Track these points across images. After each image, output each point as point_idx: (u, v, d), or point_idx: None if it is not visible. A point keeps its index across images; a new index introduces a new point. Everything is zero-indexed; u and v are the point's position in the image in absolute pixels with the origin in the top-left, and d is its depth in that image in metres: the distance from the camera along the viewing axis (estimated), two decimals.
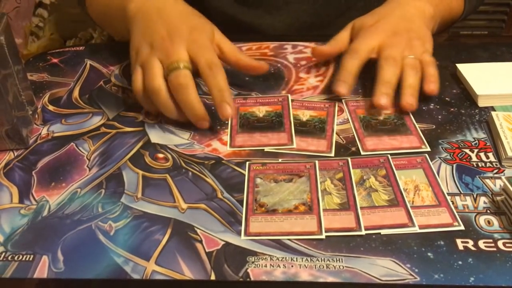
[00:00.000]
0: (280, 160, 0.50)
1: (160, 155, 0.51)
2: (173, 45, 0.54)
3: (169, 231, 0.43)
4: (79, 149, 0.52)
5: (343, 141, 0.52)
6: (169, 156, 0.51)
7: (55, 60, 0.68)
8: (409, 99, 0.55)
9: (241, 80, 0.63)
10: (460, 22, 0.77)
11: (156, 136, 0.54)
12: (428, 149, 0.50)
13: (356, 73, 0.57)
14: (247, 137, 0.53)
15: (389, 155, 0.49)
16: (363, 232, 0.42)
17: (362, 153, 0.50)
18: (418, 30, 0.61)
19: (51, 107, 0.59)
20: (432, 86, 0.56)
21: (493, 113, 0.53)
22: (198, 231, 0.43)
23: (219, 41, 0.58)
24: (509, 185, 0.42)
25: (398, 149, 0.50)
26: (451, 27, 0.78)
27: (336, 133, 0.53)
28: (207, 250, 0.41)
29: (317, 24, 0.77)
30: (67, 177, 0.49)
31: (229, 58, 0.58)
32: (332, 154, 0.50)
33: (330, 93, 0.60)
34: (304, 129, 0.54)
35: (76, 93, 0.61)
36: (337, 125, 0.55)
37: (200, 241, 0.42)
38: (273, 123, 0.55)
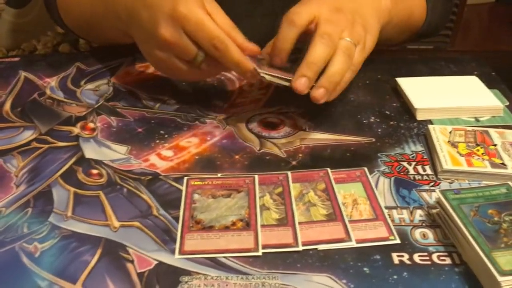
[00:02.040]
0: (219, 175, 0.49)
1: (94, 171, 0.49)
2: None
3: (99, 251, 0.41)
4: (6, 165, 0.49)
5: (284, 155, 0.52)
6: (104, 172, 0.49)
7: None
8: (319, 93, 0.48)
9: (182, 92, 0.61)
10: None
11: (91, 151, 0.52)
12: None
13: (293, 43, 0.51)
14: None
15: (328, 169, 0.49)
16: (300, 248, 0.41)
17: None
18: (365, 17, 0.54)
19: None
20: (320, 92, 0.49)
21: (430, 126, 0.54)
22: (130, 250, 0.41)
23: (211, 10, 0.52)
24: (443, 199, 0.43)
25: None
26: (407, 42, 0.73)
27: (277, 146, 0.53)
28: (138, 271, 0.39)
29: None
30: None
31: None
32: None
33: (274, 106, 0.59)
34: None
35: (7, 106, 0.58)
36: (279, 138, 0.54)
37: (132, 261, 0.40)
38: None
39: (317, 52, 0.49)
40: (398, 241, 0.42)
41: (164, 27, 0.51)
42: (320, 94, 0.49)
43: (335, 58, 0.49)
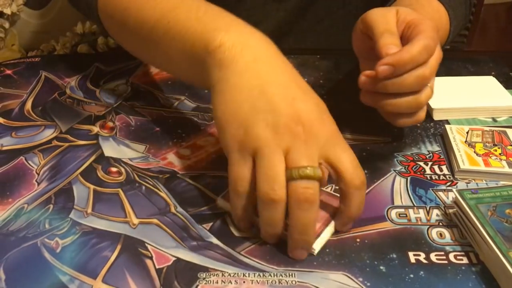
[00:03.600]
0: None
1: (113, 169, 0.50)
2: (308, 141, 0.40)
3: (118, 247, 0.41)
4: (28, 163, 0.50)
5: None
6: (123, 170, 0.50)
7: (8, 72, 0.66)
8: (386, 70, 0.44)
9: (199, 91, 0.62)
10: None
11: (110, 149, 0.53)
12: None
13: None
14: None
15: None
16: None
17: None
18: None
19: (1, 120, 0.57)
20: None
21: (447, 126, 0.54)
22: (149, 247, 0.42)
23: None
24: (460, 198, 0.43)
25: None
26: None
27: None
28: (157, 267, 0.40)
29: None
30: (14, 192, 0.47)
31: None
32: None
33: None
34: None
35: (28, 105, 0.60)
36: None
37: (151, 257, 0.41)
38: None
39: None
40: None
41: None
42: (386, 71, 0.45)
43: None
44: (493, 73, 0.66)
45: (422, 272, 0.39)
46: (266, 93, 0.41)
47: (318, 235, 0.41)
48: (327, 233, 0.42)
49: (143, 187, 0.48)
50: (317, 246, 0.41)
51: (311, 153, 0.40)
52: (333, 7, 0.74)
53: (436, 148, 0.53)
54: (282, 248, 0.41)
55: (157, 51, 0.51)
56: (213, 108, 0.43)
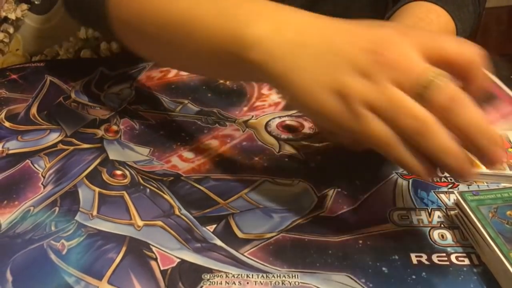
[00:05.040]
0: None
1: (118, 172, 0.51)
2: (402, 53, 0.35)
3: (123, 249, 0.42)
4: (34, 166, 0.51)
5: (303, 157, 0.53)
6: (127, 173, 0.50)
7: (14, 76, 0.67)
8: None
9: (203, 95, 0.63)
10: None
11: (114, 152, 0.53)
12: None
13: None
14: None
15: None
16: None
17: None
18: None
19: (7, 124, 0.58)
20: None
21: None
22: (154, 248, 0.42)
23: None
24: (461, 200, 0.43)
25: None
26: None
27: (296, 148, 0.54)
28: (162, 268, 0.40)
29: None
30: (20, 195, 0.48)
31: None
32: None
33: (293, 109, 0.60)
34: None
35: (34, 109, 0.60)
36: (297, 140, 0.55)
37: (155, 259, 0.41)
38: None
39: None
40: None
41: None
42: None
43: None
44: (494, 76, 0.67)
45: (424, 273, 0.40)
46: (329, 47, 0.37)
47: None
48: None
49: (148, 190, 0.48)
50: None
51: (414, 63, 0.35)
52: (336, 12, 0.74)
53: None
54: (285, 250, 0.42)
55: (182, 54, 0.47)
56: (291, 99, 0.39)
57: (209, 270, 0.40)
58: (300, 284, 0.39)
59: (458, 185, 0.49)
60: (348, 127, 0.36)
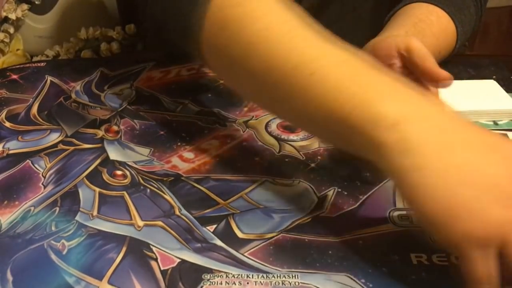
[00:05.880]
0: None
1: (118, 172, 0.51)
2: None
3: (124, 249, 0.42)
4: (34, 166, 0.51)
5: (303, 157, 0.53)
6: (128, 173, 0.51)
7: (14, 76, 0.67)
8: None
9: (203, 96, 0.63)
10: None
11: (115, 153, 0.53)
12: None
13: None
14: None
15: None
16: None
17: None
18: None
19: (8, 124, 0.58)
20: None
21: None
22: (154, 248, 0.42)
23: None
24: None
25: None
26: None
27: (296, 149, 0.54)
28: (162, 268, 0.40)
29: None
30: (20, 195, 0.48)
31: None
32: None
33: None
34: None
35: (34, 109, 0.60)
36: (298, 141, 0.55)
37: (156, 259, 0.41)
38: None
39: None
40: None
41: None
42: None
43: None
44: (494, 76, 0.67)
45: (424, 273, 0.40)
46: (476, 166, 0.34)
47: None
48: None
49: (148, 190, 0.48)
50: None
51: None
52: (343, 12, 0.74)
53: None
54: (285, 250, 0.42)
55: (289, 104, 0.41)
56: (416, 202, 0.35)
57: (209, 270, 0.40)
58: (300, 284, 0.39)
59: None
60: (459, 251, 0.34)
